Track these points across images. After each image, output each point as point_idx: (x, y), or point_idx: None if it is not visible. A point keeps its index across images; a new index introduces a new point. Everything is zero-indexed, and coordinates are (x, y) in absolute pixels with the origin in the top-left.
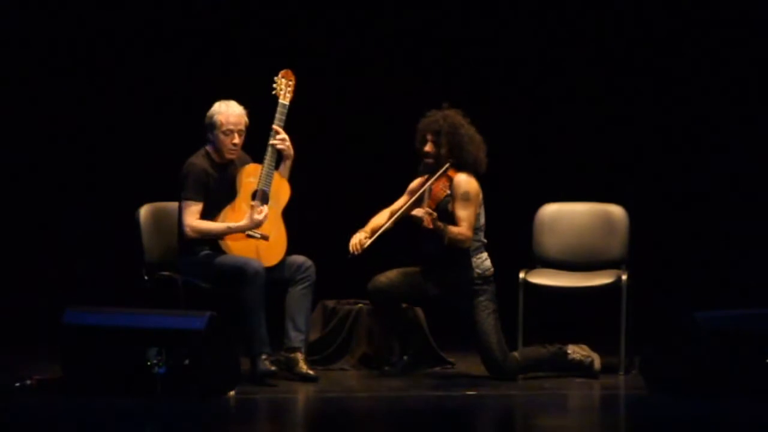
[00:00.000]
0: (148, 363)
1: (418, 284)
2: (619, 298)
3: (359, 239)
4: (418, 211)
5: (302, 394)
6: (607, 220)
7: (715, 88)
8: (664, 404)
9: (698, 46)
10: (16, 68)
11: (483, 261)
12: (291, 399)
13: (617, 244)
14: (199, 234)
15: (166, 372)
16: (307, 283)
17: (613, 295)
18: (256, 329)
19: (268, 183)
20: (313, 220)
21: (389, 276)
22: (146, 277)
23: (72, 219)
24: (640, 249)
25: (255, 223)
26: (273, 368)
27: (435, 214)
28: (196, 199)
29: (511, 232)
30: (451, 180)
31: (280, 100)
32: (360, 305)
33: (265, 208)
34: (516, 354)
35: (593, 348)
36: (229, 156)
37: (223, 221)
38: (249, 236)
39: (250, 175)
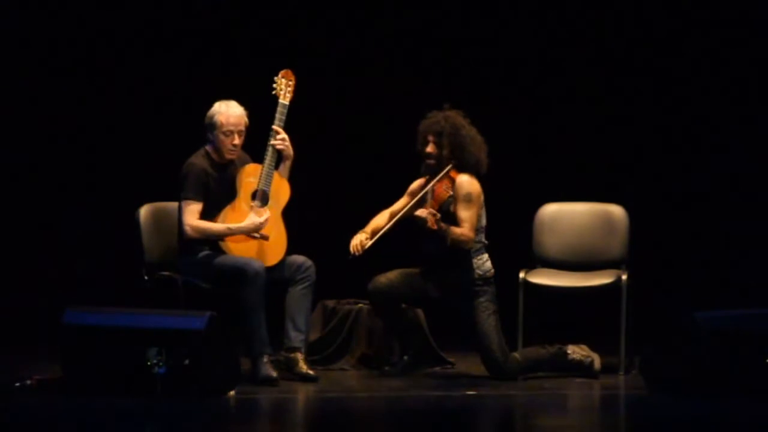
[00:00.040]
0: (148, 363)
1: (418, 285)
2: (619, 298)
3: (360, 240)
4: (421, 212)
5: (302, 394)
6: (607, 220)
7: (715, 88)
8: (664, 404)
9: (698, 46)
10: (16, 68)
11: (484, 262)
12: (291, 399)
13: (617, 244)
14: (200, 234)
15: (166, 372)
16: (307, 283)
17: (613, 295)
18: (256, 329)
19: (268, 183)
20: (313, 220)
21: (389, 277)
22: (146, 277)
23: (72, 219)
24: (640, 249)
25: (256, 226)
26: (275, 374)
27: (438, 215)
28: (196, 199)
29: (511, 232)
30: (453, 181)
31: (280, 100)
32: (360, 305)
33: (266, 211)
34: (516, 355)
35: (593, 348)
36: (228, 156)
37: (223, 221)
38: (249, 236)
39: (250, 175)
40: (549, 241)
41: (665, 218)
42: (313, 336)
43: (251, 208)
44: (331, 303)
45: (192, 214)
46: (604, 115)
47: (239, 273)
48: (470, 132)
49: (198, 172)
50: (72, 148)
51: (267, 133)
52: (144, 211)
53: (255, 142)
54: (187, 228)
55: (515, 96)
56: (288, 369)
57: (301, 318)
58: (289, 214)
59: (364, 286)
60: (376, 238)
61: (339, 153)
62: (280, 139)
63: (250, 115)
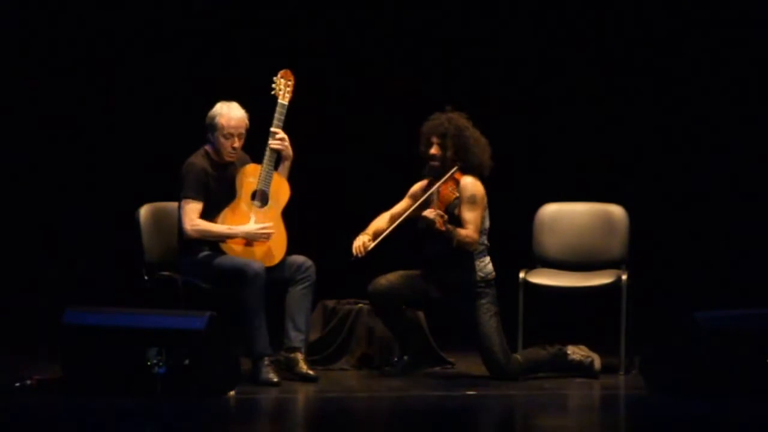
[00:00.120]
0: (148, 363)
1: (419, 287)
2: (619, 298)
3: (363, 242)
4: (429, 213)
5: (302, 394)
6: (607, 220)
7: (715, 88)
8: (664, 404)
9: (698, 46)
10: (16, 68)
11: (486, 264)
12: (291, 399)
13: (617, 244)
14: (200, 234)
15: (166, 372)
16: (307, 283)
17: (613, 295)
18: (256, 330)
19: (268, 183)
20: (313, 220)
21: (390, 278)
22: (146, 277)
23: (72, 219)
24: (640, 249)
25: (256, 231)
26: (276, 379)
27: (446, 216)
28: (196, 199)
29: (511, 232)
30: (457, 182)
31: (280, 100)
32: (360, 305)
33: (269, 224)
34: (518, 356)
35: (593, 348)
36: (228, 159)
37: (223, 222)
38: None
39: (249, 176)
40: (549, 241)
41: (665, 218)
42: (313, 336)
43: (251, 208)
44: (331, 303)
45: (192, 214)
46: (604, 115)
47: (239, 273)
48: (474, 134)
49: (198, 171)
50: (72, 148)
51: (266, 133)
52: (144, 211)
53: (255, 142)
54: (187, 228)
55: (515, 96)
56: (288, 369)
57: (301, 318)
58: (289, 214)
59: (364, 286)
60: (379, 240)
61: (339, 153)
62: (279, 140)
63: (249, 115)
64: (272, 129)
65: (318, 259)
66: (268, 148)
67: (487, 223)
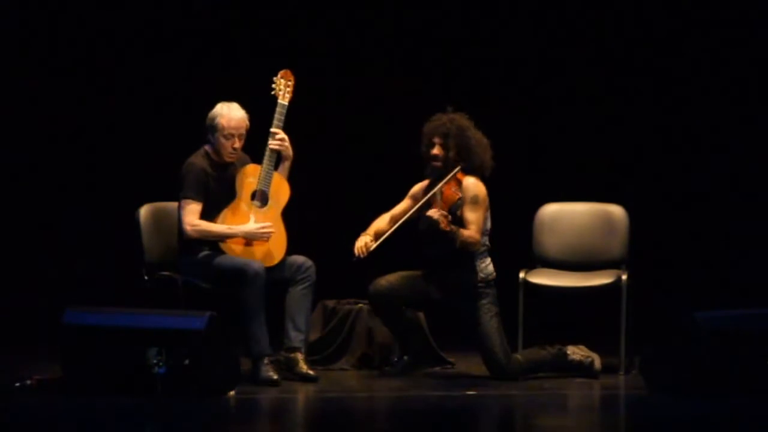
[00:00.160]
0: (148, 363)
1: (419, 288)
2: (619, 298)
3: (365, 242)
4: (433, 213)
5: (302, 394)
6: (607, 220)
7: (715, 88)
8: (664, 404)
9: (698, 46)
10: (16, 68)
11: (487, 265)
12: (291, 399)
13: (617, 244)
14: (200, 234)
15: (166, 372)
16: (307, 283)
17: (613, 295)
18: (256, 330)
19: (268, 183)
20: (313, 220)
21: (390, 279)
22: (146, 277)
23: (72, 219)
24: (640, 249)
25: (257, 230)
26: (275, 377)
27: (450, 216)
28: (196, 199)
29: (511, 232)
30: (459, 183)
31: (280, 101)
32: (360, 305)
33: (268, 224)
34: (518, 356)
35: (593, 348)
36: (228, 159)
37: (223, 222)
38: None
39: (249, 176)
40: (549, 241)
41: (665, 218)
42: (313, 336)
43: (251, 208)
44: (331, 303)
45: (192, 214)
46: (604, 115)
47: (239, 273)
48: (475, 134)
49: (198, 171)
50: (72, 148)
51: (266, 133)
52: (144, 211)
53: (254, 142)
54: (187, 227)
55: (515, 96)
56: (288, 369)
57: (301, 318)
58: (289, 214)
59: (364, 286)
60: (381, 240)
61: (339, 153)
62: (279, 140)
63: (249, 115)
64: (272, 129)
65: (318, 259)
66: (268, 149)
67: (488, 224)
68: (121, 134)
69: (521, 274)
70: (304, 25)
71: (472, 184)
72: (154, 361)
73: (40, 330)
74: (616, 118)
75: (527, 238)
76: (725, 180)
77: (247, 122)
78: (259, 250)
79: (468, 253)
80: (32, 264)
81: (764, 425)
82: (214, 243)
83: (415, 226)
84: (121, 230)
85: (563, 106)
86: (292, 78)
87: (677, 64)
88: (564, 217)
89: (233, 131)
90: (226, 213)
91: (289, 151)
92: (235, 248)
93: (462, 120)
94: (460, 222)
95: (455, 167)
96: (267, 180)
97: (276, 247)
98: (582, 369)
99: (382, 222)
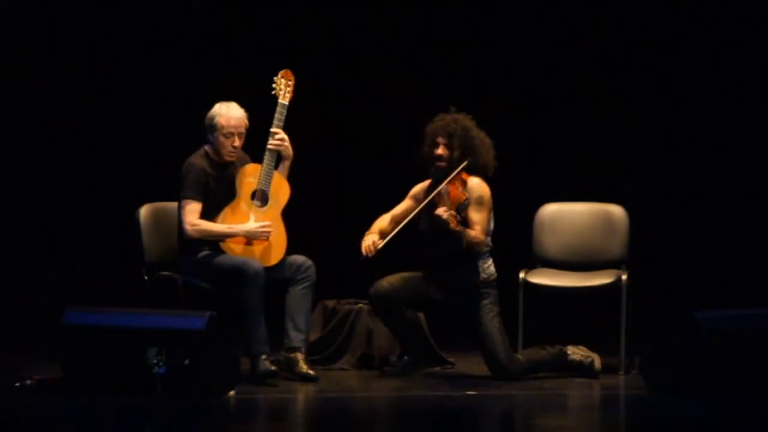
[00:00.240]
0: (148, 363)
1: (420, 289)
2: (619, 298)
3: (372, 241)
4: (442, 213)
5: (302, 394)
6: (607, 220)
7: (715, 88)
8: (664, 404)
9: (698, 46)
10: (16, 68)
11: (489, 266)
12: (291, 399)
13: (617, 244)
14: (200, 233)
15: (166, 372)
16: (307, 283)
17: (613, 295)
18: (256, 329)
19: (268, 183)
20: (313, 220)
21: (390, 281)
22: (146, 277)
23: (72, 219)
24: (640, 249)
25: (257, 228)
26: (273, 368)
27: (459, 216)
28: (196, 199)
29: (511, 232)
30: (464, 183)
31: (280, 100)
32: (360, 305)
33: (267, 222)
34: (519, 356)
35: (593, 348)
36: (228, 158)
37: (223, 221)
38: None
39: (249, 175)
40: (549, 241)
41: (665, 218)
42: (313, 336)
43: (251, 208)
44: (331, 303)
45: (192, 214)
46: (604, 115)
47: (239, 273)
48: (479, 134)
49: (198, 171)
50: (72, 148)
51: (266, 133)
52: (144, 211)
53: (254, 142)
54: (188, 227)
55: (515, 96)
56: (288, 369)
57: (301, 318)
58: (289, 214)
59: (364, 286)
60: (388, 238)
61: (339, 153)
62: (279, 140)
63: (249, 115)
64: (272, 129)
65: (318, 259)
66: (268, 148)
67: (491, 225)
68: (121, 134)
69: (521, 274)
70: (304, 25)
71: (477, 185)
72: (154, 361)
73: (40, 330)
74: (616, 118)
75: (527, 238)
76: (725, 180)
77: (247, 121)
78: (259, 249)
79: (470, 253)
80: (32, 264)
81: (764, 425)
82: (214, 243)
83: (416, 226)
84: (121, 230)
85: (563, 106)
86: (292, 78)
87: (677, 64)
88: (564, 217)
89: (233, 130)
90: (226, 212)
91: (289, 151)
92: (235, 248)
93: (466, 120)
94: (465, 222)
95: (460, 164)
96: (267, 180)
97: (276, 247)
98: (582, 369)
99: (383, 222)
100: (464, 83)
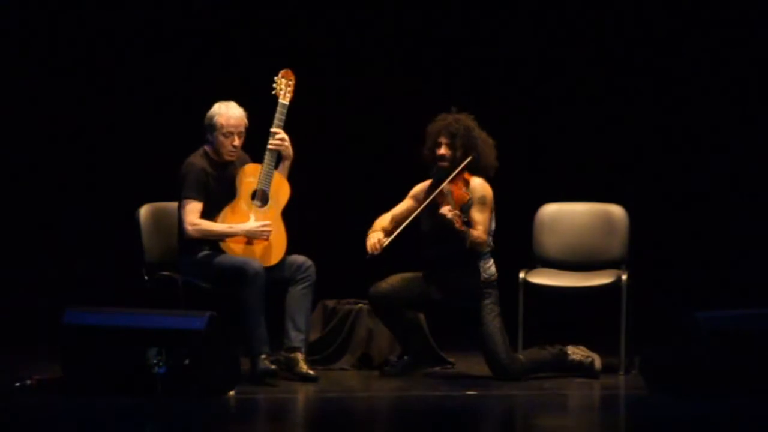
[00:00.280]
0: (148, 363)
1: (420, 289)
2: (619, 298)
3: (378, 239)
4: (447, 212)
5: (302, 394)
6: (607, 220)
7: (715, 88)
8: (664, 404)
9: (698, 46)
10: (16, 68)
11: (490, 266)
12: (291, 399)
13: (617, 244)
14: (200, 233)
15: (166, 372)
16: (307, 283)
17: (613, 295)
18: (256, 329)
19: (268, 183)
20: (313, 220)
21: (390, 282)
22: (146, 277)
23: (72, 219)
24: (640, 249)
25: (257, 227)
26: (273, 367)
27: (464, 216)
28: (196, 198)
29: (511, 232)
30: (467, 183)
31: (280, 100)
32: (360, 305)
33: (267, 222)
34: (520, 356)
35: (593, 348)
36: (228, 158)
37: (223, 221)
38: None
39: (249, 175)
40: (549, 241)
41: (665, 218)
42: (313, 336)
43: (251, 208)
44: (331, 303)
45: (192, 213)
46: (604, 115)
47: (239, 273)
48: (480, 134)
49: (197, 171)
50: (72, 148)
51: (267, 133)
52: (144, 211)
53: (255, 142)
54: (188, 227)
55: (515, 96)
56: (288, 369)
57: (301, 318)
58: (289, 214)
59: (364, 286)
60: (393, 236)
61: (339, 153)
62: (279, 140)
63: (249, 115)
64: (272, 129)
65: (318, 259)
66: (268, 148)
67: (493, 225)
68: (121, 134)
69: (521, 274)
70: (304, 25)
71: (480, 185)
72: (154, 361)
73: (40, 330)
74: (616, 118)
75: (527, 238)
76: (725, 180)
77: (246, 120)
78: (259, 249)
79: (471, 253)
80: (32, 264)
81: (764, 425)
82: (214, 243)
83: (417, 227)
84: (121, 230)
85: (563, 106)
86: (292, 78)
87: (677, 64)
88: (564, 217)
89: (232, 129)
90: (226, 212)
91: (290, 151)
92: (235, 248)
93: (468, 120)
94: (468, 223)
95: (462, 162)
96: (267, 180)
97: (276, 247)
98: (582, 369)
99: (384, 221)
100: (464, 83)
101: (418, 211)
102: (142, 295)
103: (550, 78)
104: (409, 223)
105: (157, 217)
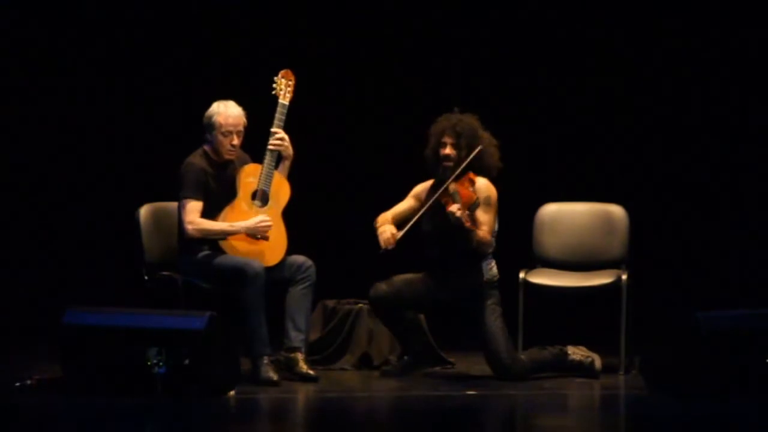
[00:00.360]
0: (148, 363)
1: (421, 290)
2: (619, 298)
3: (391, 233)
4: (455, 210)
5: (302, 394)
6: (607, 220)
7: (715, 88)
8: (664, 404)
9: (698, 46)
10: (16, 68)
11: (492, 267)
12: (291, 399)
13: (617, 244)
14: (201, 233)
15: (166, 372)
16: (307, 283)
17: (613, 295)
18: (256, 330)
19: (268, 183)
20: (313, 220)
21: (391, 283)
22: (146, 277)
23: (72, 219)
24: (640, 249)
25: (257, 224)
26: (275, 378)
27: (470, 215)
28: (196, 198)
29: (511, 232)
30: (473, 183)
31: (280, 100)
32: (360, 305)
33: (268, 217)
34: (522, 356)
35: (593, 348)
36: (227, 157)
37: (224, 221)
38: (249, 236)
39: (249, 175)
40: (549, 241)
41: (665, 218)
42: (313, 336)
43: (251, 208)
44: (331, 303)
45: (192, 213)
46: (604, 115)
47: (239, 273)
48: (485, 135)
49: (197, 171)
50: (72, 147)
51: (267, 133)
52: (144, 211)
53: (255, 142)
54: (188, 227)
55: (516, 96)
56: (288, 369)
57: (301, 318)
58: (289, 214)
59: (364, 286)
60: (405, 229)
61: (339, 153)
62: (278, 140)
63: (249, 115)
64: (272, 129)
65: (318, 259)
66: (268, 148)
67: (496, 226)
68: (121, 134)
69: (521, 274)
70: (304, 25)
71: (485, 186)
72: (154, 361)
73: (40, 330)
74: (616, 118)
75: (527, 238)
76: (725, 180)
77: (245, 119)
78: (259, 249)
79: (474, 254)
80: (32, 264)
81: (764, 425)
82: (214, 242)
83: (418, 227)
84: (121, 230)
85: (563, 106)
86: (292, 78)
87: (678, 64)
88: (564, 217)
89: (231, 128)
90: (226, 212)
91: (290, 151)
92: (235, 248)
93: (472, 120)
94: (474, 223)
95: (476, 148)
96: (268, 180)
97: (276, 248)
98: (582, 369)
99: (386, 219)
100: (465, 83)
101: (426, 206)
102: (142, 295)
103: (552, 78)
104: (417, 220)
105: (157, 217)
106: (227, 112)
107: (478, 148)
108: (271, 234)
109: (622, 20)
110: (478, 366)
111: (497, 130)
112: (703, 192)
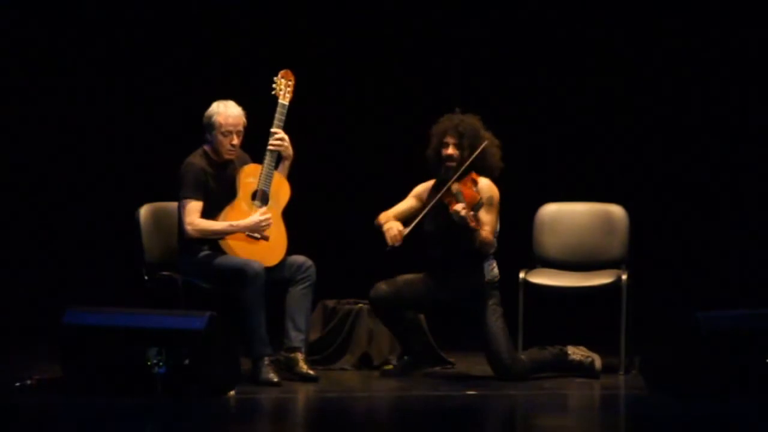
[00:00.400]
0: (148, 363)
1: (421, 291)
2: (619, 298)
3: (398, 230)
4: (460, 209)
5: (302, 394)
6: (607, 220)
7: (715, 88)
8: (664, 404)
9: (698, 46)
10: (16, 68)
11: (493, 268)
12: (291, 399)
13: (617, 244)
14: (201, 233)
15: (166, 372)
16: (307, 283)
17: (613, 295)
18: (256, 330)
19: (268, 183)
20: (313, 220)
21: (391, 283)
22: (146, 277)
23: (72, 219)
24: (640, 249)
25: (257, 223)
26: (276, 379)
27: (477, 216)
28: (196, 198)
29: (511, 232)
30: (475, 183)
31: (280, 101)
32: (360, 305)
33: (269, 215)
34: (523, 356)
35: (593, 348)
36: (227, 156)
37: (223, 221)
38: (249, 236)
39: (249, 175)
40: (549, 241)
41: (665, 218)
42: (313, 336)
43: (251, 208)
44: (331, 303)
45: (192, 213)
46: (604, 115)
47: (239, 273)
48: (486, 135)
49: (197, 171)
50: (72, 147)
51: (266, 133)
52: (144, 211)
53: (255, 142)
54: (189, 227)
55: (516, 96)
56: (288, 369)
57: (301, 318)
58: (289, 214)
59: (364, 286)
60: (411, 226)
61: (339, 153)
62: (279, 140)
63: (249, 115)
64: (272, 129)
65: (318, 259)
66: (268, 149)
67: (498, 227)
68: (121, 134)
69: (521, 274)
70: (304, 25)
71: (487, 186)
72: (154, 361)
73: (40, 330)
74: (616, 118)
75: (527, 238)
76: (725, 179)
77: (244, 119)
78: (259, 250)
79: (476, 254)
80: (32, 264)
81: (764, 425)
82: (214, 243)
83: (419, 227)
84: (121, 230)
85: (563, 107)
86: (292, 78)
87: (678, 64)
88: (564, 217)
89: (231, 128)
90: (227, 212)
91: (289, 151)
92: (235, 248)
93: (474, 120)
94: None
95: (481, 144)
96: (268, 180)
97: (276, 248)
98: (582, 369)
99: (388, 217)
100: (465, 83)
101: (430, 205)
102: (142, 295)
103: (551, 78)
104: (423, 217)
105: (157, 217)
106: (227, 112)
107: (483, 145)
108: (271, 234)
109: (622, 20)
110: (478, 366)
111: (497, 130)
112: (703, 192)
